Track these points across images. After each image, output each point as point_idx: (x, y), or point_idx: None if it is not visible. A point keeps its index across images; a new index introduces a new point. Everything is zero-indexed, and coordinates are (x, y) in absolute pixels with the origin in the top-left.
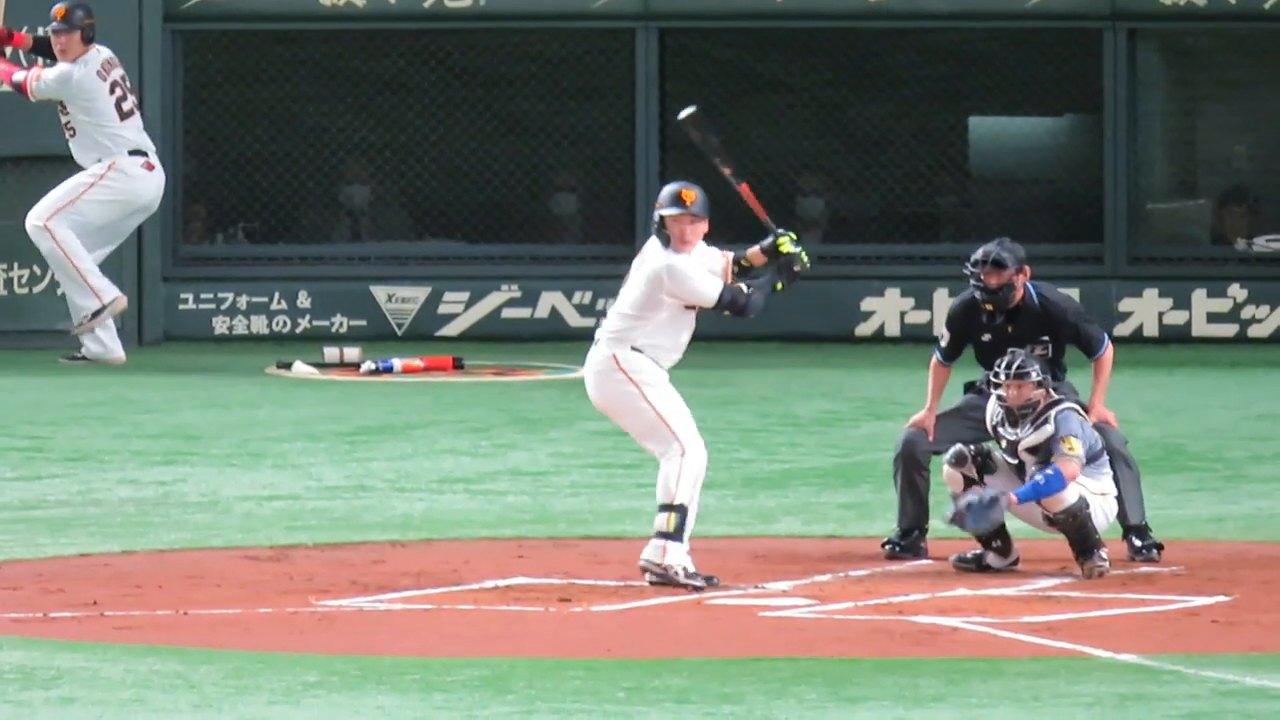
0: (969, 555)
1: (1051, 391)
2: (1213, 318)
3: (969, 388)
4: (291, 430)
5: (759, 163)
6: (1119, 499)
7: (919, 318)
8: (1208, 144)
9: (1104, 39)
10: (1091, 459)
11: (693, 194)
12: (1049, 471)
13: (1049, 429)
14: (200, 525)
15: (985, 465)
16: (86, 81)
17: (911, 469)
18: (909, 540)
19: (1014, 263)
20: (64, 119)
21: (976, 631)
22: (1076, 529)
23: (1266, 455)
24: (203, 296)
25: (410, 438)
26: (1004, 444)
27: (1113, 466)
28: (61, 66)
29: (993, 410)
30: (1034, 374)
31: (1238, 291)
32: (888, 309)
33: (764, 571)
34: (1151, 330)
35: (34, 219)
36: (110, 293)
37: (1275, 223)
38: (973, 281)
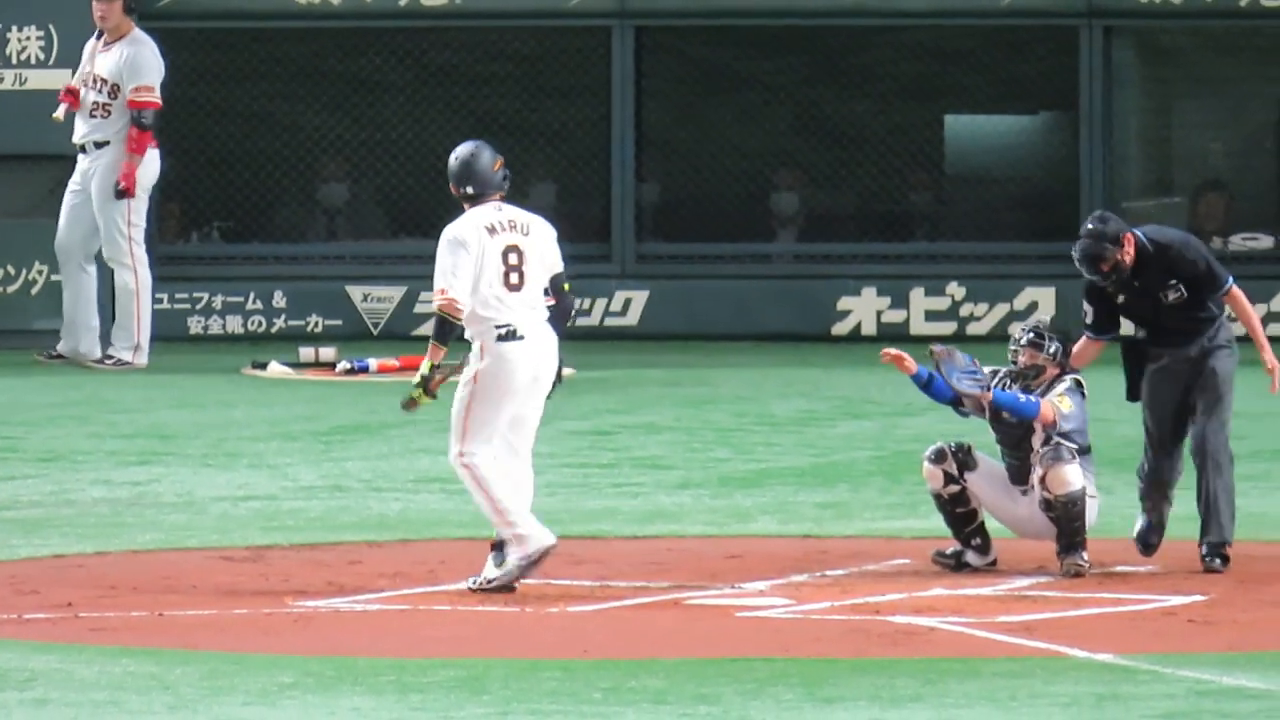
0: (948, 551)
1: (1061, 366)
2: None
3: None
4: (267, 430)
5: (735, 160)
6: (1206, 506)
7: (895, 316)
8: (1183, 141)
9: (1080, 36)
10: (1081, 452)
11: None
12: (1021, 400)
13: (1057, 393)
14: (175, 526)
15: (965, 462)
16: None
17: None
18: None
19: (1113, 244)
20: (101, 99)
21: (953, 631)
22: (1069, 519)
23: (1242, 454)
24: (177, 296)
25: (386, 438)
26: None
27: (1200, 470)
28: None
29: (1001, 373)
30: (1048, 345)
31: None
32: (864, 308)
33: (740, 571)
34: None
35: (115, 254)
36: (143, 358)
37: (1251, 220)
38: (1085, 272)
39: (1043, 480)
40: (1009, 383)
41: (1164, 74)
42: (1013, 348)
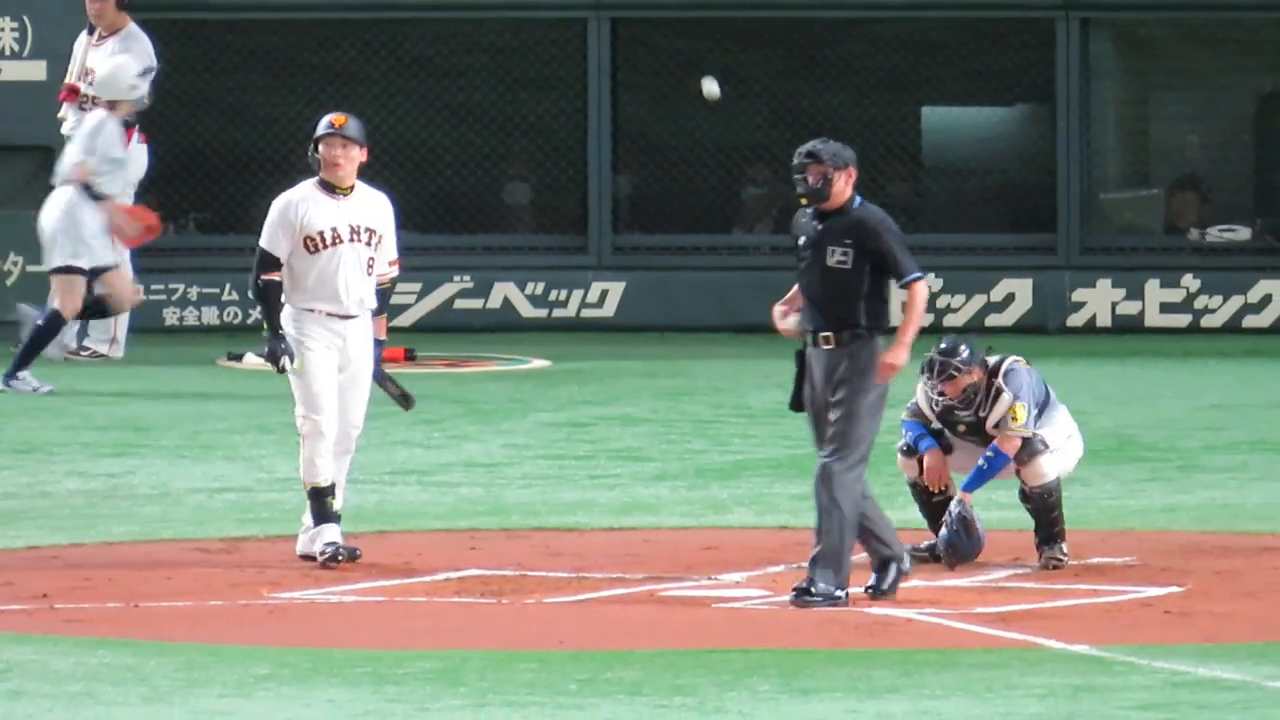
0: (922, 545)
1: (986, 364)
2: (1166, 308)
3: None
4: (242, 422)
5: (709, 153)
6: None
7: None
8: (1161, 134)
9: (1057, 28)
10: (1043, 408)
11: (343, 118)
12: (989, 454)
13: (1005, 400)
14: (150, 517)
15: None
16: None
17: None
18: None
19: (830, 160)
20: (92, 92)
21: (930, 623)
22: (1046, 509)
23: (1219, 445)
24: (153, 288)
25: (362, 430)
26: (961, 427)
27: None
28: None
29: (930, 400)
30: (960, 358)
31: (1190, 282)
32: None
33: (717, 563)
34: (1104, 321)
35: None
36: (119, 350)
37: (1228, 213)
38: (795, 176)
39: (1018, 473)
40: (955, 409)
41: (1141, 66)
42: (933, 395)
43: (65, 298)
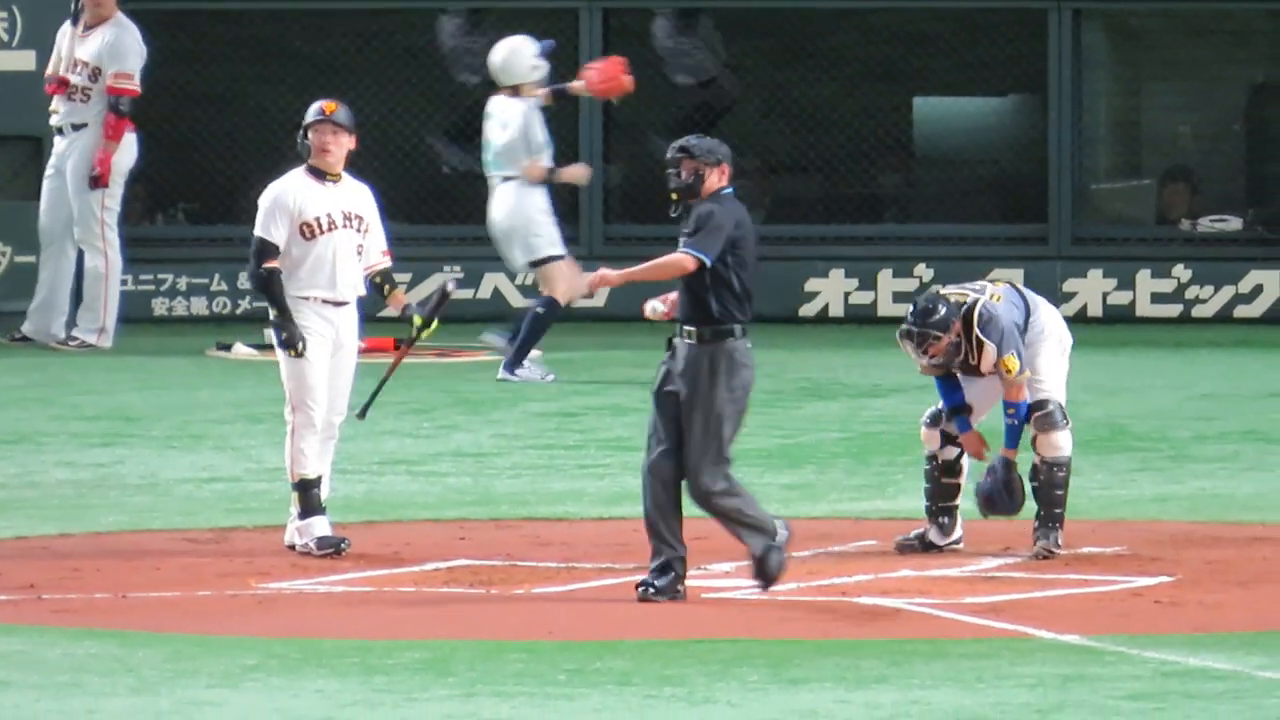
0: (911, 535)
1: (955, 322)
2: (1157, 298)
3: None
4: (232, 412)
5: None
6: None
7: (863, 298)
8: (1152, 124)
9: (1049, 19)
10: (1025, 330)
11: (334, 105)
12: (1009, 412)
13: (990, 351)
14: (139, 508)
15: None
16: None
17: None
18: None
19: (703, 156)
20: (81, 82)
21: (919, 612)
22: (1052, 486)
23: (1210, 435)
24: (142, 278)
25: (351, 420)
26: (956, 372)
27: None
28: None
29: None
30: (938, 315)
31: (1182, 272)
32: (831, 290)
33: (706, 553)
34: (1096, 311)
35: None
36: (108, 340)
37: (1219, 203)
38: (668, 171)
39: (1034, 441)
40: (950, 368)
41: (1133, 57)
42: (920, 360)
43: (554, 286)
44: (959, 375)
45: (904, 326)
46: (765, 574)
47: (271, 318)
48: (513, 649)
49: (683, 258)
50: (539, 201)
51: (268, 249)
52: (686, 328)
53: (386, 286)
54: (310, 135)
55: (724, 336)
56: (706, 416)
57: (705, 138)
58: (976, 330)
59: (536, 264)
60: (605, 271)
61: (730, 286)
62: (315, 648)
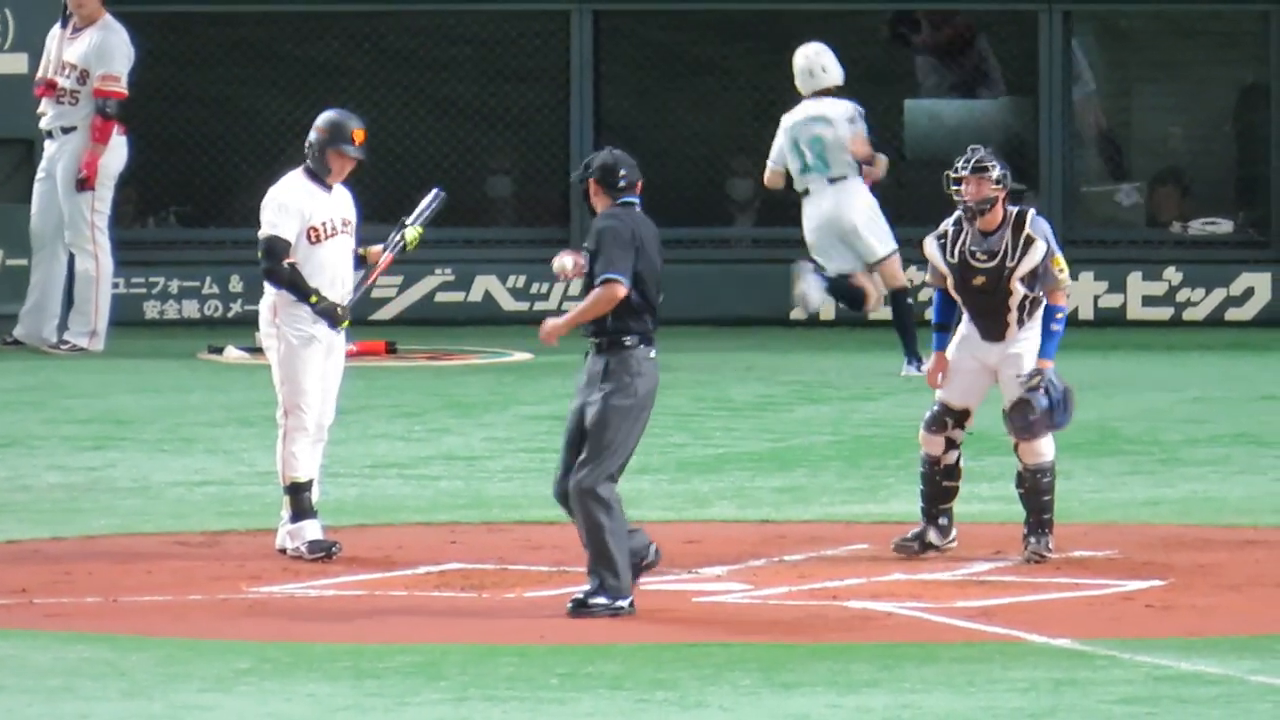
0: (910, 535)
1: (1005, 187)
2: (1148, 301)
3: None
4: (223, 415)
5: (691, 145)
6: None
7: None
8: (1143, 126)
9: (1039, 21)
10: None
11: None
12: (1056, 317)
13: (1040, 247)
14: (131, 511)
15: (961, 423)
16: None
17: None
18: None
19: (594, 172)
20: (69, 85)
21: (911, 616)
22: (1038, 493)
23: (1201, 438)
24: (134, 280)
25: (343, 423)
26: (979, 279)
27: None
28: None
29: (949, 233)
30: (993, 171)
31: (1173, 275)
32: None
33: (698, 556)
34: (1087, 313)
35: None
36: (99, 344)
37: (1210, 205)
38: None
39: (1016, 449)
40: (964, 231)
41: (1123, 59)
42: (955, 182)
43: (899, 277)
44: (967, 308)
45: (959, 158)
46: (579, 613)
47: (298, 306)
48: (504, 653)
49: (613, 287)
50: (871, 198)
51: (282, 245)
52: (589, 339)
53: (363, 254)
54: (328, 152)
55: (619, 347)
56: (595, 420)
57: (615, 151)
58: (1029, 228)
59: (878, 262)
60: (551, 321)
61: (625, 301)
62: (307, 652)
